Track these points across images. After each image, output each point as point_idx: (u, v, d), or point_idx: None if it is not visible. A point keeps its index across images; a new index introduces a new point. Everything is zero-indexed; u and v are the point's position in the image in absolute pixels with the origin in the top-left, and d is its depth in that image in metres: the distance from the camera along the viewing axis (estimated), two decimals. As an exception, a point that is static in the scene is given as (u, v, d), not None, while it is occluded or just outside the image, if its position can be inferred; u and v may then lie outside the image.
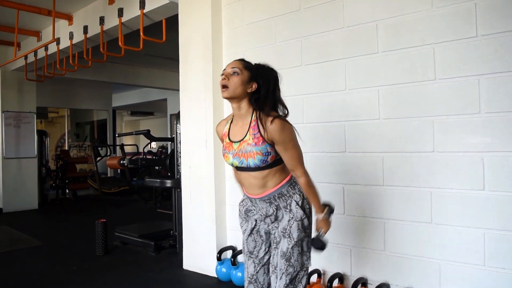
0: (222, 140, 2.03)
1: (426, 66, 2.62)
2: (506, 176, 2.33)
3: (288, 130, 1.86)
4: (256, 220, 2.07)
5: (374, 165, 2.85)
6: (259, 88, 1.91)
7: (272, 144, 1.85)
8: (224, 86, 1.88)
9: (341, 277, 2.95)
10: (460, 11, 2.49)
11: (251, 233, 2.08)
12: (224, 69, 1.94)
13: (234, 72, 1.88)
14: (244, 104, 1.92)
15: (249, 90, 1.90)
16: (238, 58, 2.00)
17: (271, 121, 1.82)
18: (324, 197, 3.04)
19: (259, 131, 1.85)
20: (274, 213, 1.97)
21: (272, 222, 2.01)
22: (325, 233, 2.01)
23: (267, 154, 1.85)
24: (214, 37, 3.75)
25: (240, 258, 3.44)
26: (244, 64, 1.93)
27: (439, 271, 2.56)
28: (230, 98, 1.91)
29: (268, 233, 2.07)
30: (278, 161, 1.92)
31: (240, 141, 1.91)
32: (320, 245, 1.98)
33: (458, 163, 2.50)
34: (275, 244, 1.99)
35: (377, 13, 2.82)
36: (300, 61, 3.21)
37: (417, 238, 2.66)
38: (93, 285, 3.56)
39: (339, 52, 3.02)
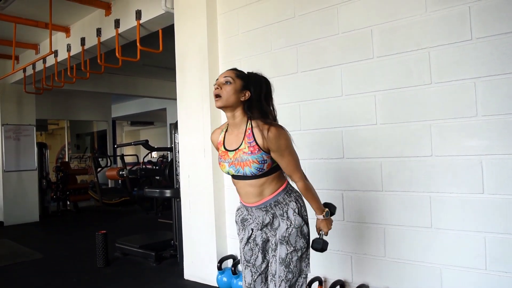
0: (217, 149, 2.05)
1: (421, 70, 2.61)
2: (505, 179, 2.32)
3: (284, 136, 1.86)
4: (252, 229, 2.05)
5: (372, 171, 2.84)
6: (252, 96, 1.92)
7: (268, 152, 1.85)
8: (217, 96, 1.90)
9: (342, 284, 2.93)
10: (454, 14, 2.49)
11: (247, 242, 2.07)
12: (217, 79, 1.95)
13: (226, 82, 1.90)
14: (239, 113, 1.93)
15: (242, 99, 1.91)
16: (231, 68, 2.02)
17: (268, 129, 1.82)
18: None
19: (255, 139, 1.85)
20: (271, 221, 1.96)
21: (269, 231, 2.00)
22: (326, 234, 2.05)
23: (263, 162, 1.85)
24: (210, 46, 3.75)
25: (240, 267, 3.42)
26: (237, 73, 1.95)
27: (440, 276, 2.54)
28: (224, 107, 1.92)
29: (265, 242, 2.04)
30: (274, 168, 1.93)
31: (235, 149, 1.91)
32: (321, 246, 2.02)
33: (456, 167, 2.49)
34: (272, 251, 1.97)
35: (372, 18, 2.82)
36: (296, 68, 3.21)
37: (417, 243, 2.64)
38: (94, 297, 3.54)
39: (335, 58, 3.02)
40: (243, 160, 1.87)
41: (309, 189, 1.96)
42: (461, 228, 2.47)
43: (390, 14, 2.74)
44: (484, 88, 2.38)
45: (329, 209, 2.07)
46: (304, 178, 1.95)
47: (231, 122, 1.97)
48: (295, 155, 1.93)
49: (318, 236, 2.05)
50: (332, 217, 2.10)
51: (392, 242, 2.75)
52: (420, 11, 2.61)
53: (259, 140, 1.84)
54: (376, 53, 2.81)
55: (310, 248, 2.01)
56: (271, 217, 1.96)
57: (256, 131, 1.86)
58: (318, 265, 3.10)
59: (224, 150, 1.98)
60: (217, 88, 1.91)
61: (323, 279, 3.05)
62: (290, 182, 2.02)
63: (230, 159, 1.93)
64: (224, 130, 2.03)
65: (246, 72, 2.02)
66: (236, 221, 2.14)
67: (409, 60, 2.66)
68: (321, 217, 2.02)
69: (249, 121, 1.91)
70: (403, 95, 2.69)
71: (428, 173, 2.60)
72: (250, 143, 1.86)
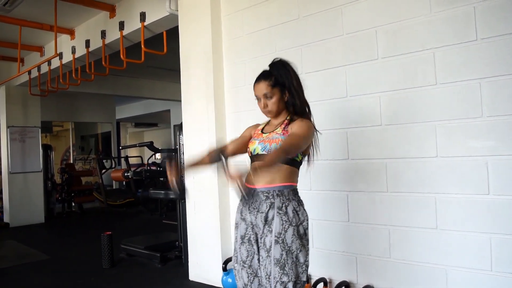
0: (251, 135, 2.16)
1: (426, 71, 2.61)
2: (511, 180, 2.31)
3: (308, 127, 1.96)
4: (246, 228, 2.01)
5: (377, 172, 2.84)
6: (290, 92, 2.05)
7: None
8: (268, 111, 2.06)
9: (347, 285, 2.93)
10: (459, 14, 2.49)
11: (242, 241, 2.03)
12: (256, 95, 2.07)
13: (267, 97, 2.03)
14: (284, 112, 2.09)
15: (286, 99, 2.06)
16: (260, 77, 2.07)
17: (301, 118, 2.01)
18: (327, 205, 3.07)
19: (289, 125, 2.01)
20: (267, 210, 1.92)
21: (263, 226, 1.94)
22: (231, 177, 1.66)
23: None
24: (214, 47, 3.76)
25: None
26: (270, 83, 2.03)
27: (445, 277, 2.54)
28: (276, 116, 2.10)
29: (257, 241, 1.99)
30: (295, 162, 1.98)
31: (270, 132, 2.05)
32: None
33: (462, 168, 2.49)
34: (266, 252, 1.91)
35: (376, 19, 2.83)
36: (300, 69, 3.16)
37: (422, 244, 2.64)
38: (99, 298, 3.56)
39: (339, 60, 3.02)
40: (273, 138, 1.99)
41: (282, 152, 1.79)
42: (466, 229, 2.46)
43: (394, 15, 2.74)
44: (489, 88, 2.38)
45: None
46: (286, 151, 1.80)
47: (274, 118, 2.12)
48: (302, 145, 1.89)
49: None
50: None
51: (397, 243, 2.75)
52: (424, 11, 2.61)
53: (292, 127, 1.98)
54: (381, 54, 2.81)
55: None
56: (268, 206, 1.92)
57: (292, 122, 2.01)
58: (323, 266, 3.11)
59: (260, 132, 2.11)
60: (264, 106, 2.04)
61: (328, 280, 3.05)
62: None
63: (262, 138, 2.05)
64: (265, 123, 2.18)
65: (269, 67, 2.08)
66: (236, 217, 2.11)
67: (414, 61, 2.66)
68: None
69: (290, 115, 2.06)
70: (408, 96, 2.70)
71: (433, 174, 2.60)
72: (284, 127, 2.01)
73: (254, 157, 2.04)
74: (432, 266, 2.60)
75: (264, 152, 1.98)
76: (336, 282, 2.97)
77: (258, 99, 2.07)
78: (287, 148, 1.84)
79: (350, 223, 2.97)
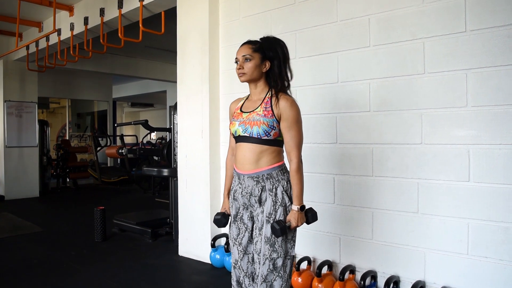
0: (232, 114, 2.15)
1: (416, 60, 2.68)
2: (490, 168, 2.41)
3: (296, 109, 1.98)
4: (239, 208, 2.10)
5: (364, 156, 2.92)
6: (272, 64, 2.04)
7: (279, 121, 1.97)
8: (241, 73, 2.03)
9: (330, 264, 3.04)
10: (450, 6, 2.54)
11: (234, 220, 2.13)
12: (236, 57, 2.06)
13: (246, 59, 2.01)
14: (261, 82, 2.07)
15: (264, 70, 2.04)
16: (245, 42, 2.09)
17: (284, 98, 1.98)
18: (314, 187, 3.15)
19: (271, 105, 1.98)
20: (259, 193, 1.99)
21: (258, 206, 2.03)
22: (292, 228, 1.96)
23: (272, 127, 1.96)
24: (211, 30, 3.81)
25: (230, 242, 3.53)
26: (253, 47, 2.03)
27: (424, 259, 2.65)
28: (248, 81, 2.07)
29: (251, 221, 2.08)
30: (278, 142, 2.01)
31: (250, 111, 2.03)
32: (279, 228, 1.89)
33: (445, 155, 2.57)
34: (259, 230, 2.01)
35: (370, 7, 2.88)
36: (294, 54, 3.27)
37: (403, 227, 2.74)
38: (91, 269, 3.65)
39: (332, 46, 3.08)
40: (254, 120, 1.98)
41: (299, 172, 1.98)
42: (446, 214, 2.56)
43: (387, 3, 2.79)
44: (475, 79, 2.45)
45: (310, 212, 2.03)
46: (300, 159, 2.00)
47: (253, 91, 2.10)
48: (301, 134, 2.01)
49: (282, 221, 1.94)
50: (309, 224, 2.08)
51: (379, 226, 2.85)
52: (416, 2, 2.67)
53: (275, 107, 1.97)
54: (373, 42, 2.87)
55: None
56: (260, 189, 1.99)
57: (274, 99, 1.99)
58: (308, 245, 3.21)
59: (239, 112, 2.10)
60: (239, 68, 2.03)
61: (312, 259, 3.16)
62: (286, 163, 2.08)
63: (243, 118, 2.04)
64: (245, 99, 2.16)
65: (260, 39, 2.10)
66: (230, 197, 2.19)
67: (404, 49, 2.73)
68: (296, 208, 1.96)
69: (270, 91, 2.04)
70: (396, 84, 2.77)
71: (417, 160, 2.68)
72: (266, 107, 1.99)
73: (236, 138, 2.07)
74: (411, 249, 2.71)
75: (245, 134, 1.99)
76: (319, 261, 3.08)
77: (237, 62, 2.04)
78: (298, 161, 1.98)
79: (335, 205, 3.07)
